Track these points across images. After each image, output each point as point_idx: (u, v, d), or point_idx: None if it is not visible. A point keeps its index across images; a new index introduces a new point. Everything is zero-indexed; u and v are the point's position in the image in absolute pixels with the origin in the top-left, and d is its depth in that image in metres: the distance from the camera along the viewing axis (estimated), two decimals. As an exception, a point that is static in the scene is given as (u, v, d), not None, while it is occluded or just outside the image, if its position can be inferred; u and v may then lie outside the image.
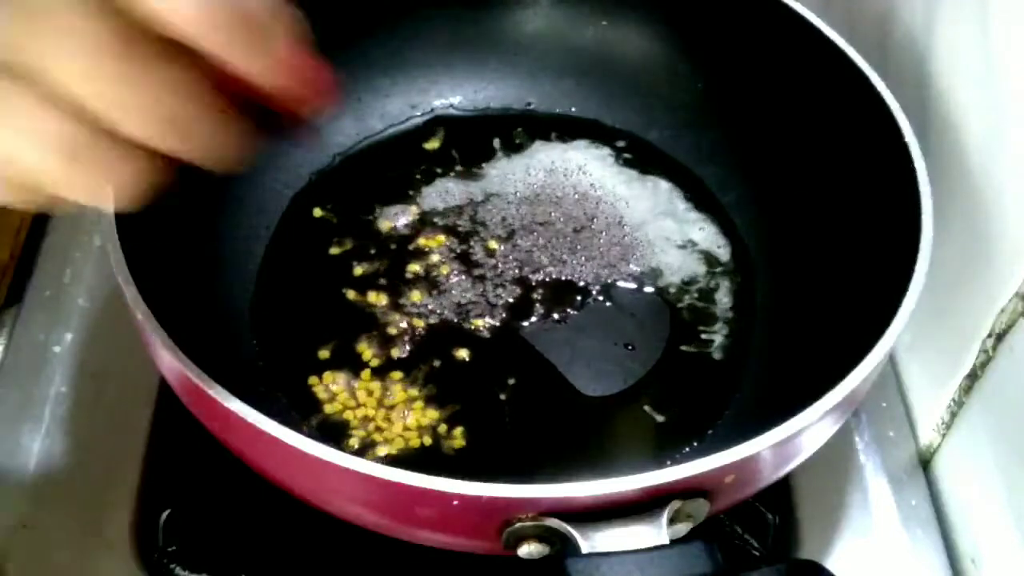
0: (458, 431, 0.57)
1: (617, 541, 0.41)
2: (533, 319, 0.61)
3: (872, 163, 0.57)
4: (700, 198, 0.67)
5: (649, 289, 0.63)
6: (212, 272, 0.60)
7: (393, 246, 0.64)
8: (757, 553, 0.57)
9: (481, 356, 0.60)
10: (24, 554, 0.55)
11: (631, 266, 0.64)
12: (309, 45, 0.35)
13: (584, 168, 0.68)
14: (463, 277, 0.63)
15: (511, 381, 0.59)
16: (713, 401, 0.58)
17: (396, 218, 0.66)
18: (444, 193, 0.67)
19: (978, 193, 0.56)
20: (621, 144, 0.69)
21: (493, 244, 0.64)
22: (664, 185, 0.68)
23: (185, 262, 0.57)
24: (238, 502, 0.57)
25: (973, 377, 0.56)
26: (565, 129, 0.70)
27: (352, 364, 0.59)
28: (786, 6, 0.61)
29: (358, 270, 0.63)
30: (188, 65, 0.32)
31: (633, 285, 0.63)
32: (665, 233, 0.66)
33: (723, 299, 0.63)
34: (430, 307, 0.62)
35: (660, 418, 0.57)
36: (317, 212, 0.65)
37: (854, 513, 0.59)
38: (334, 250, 0.64)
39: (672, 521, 0.42)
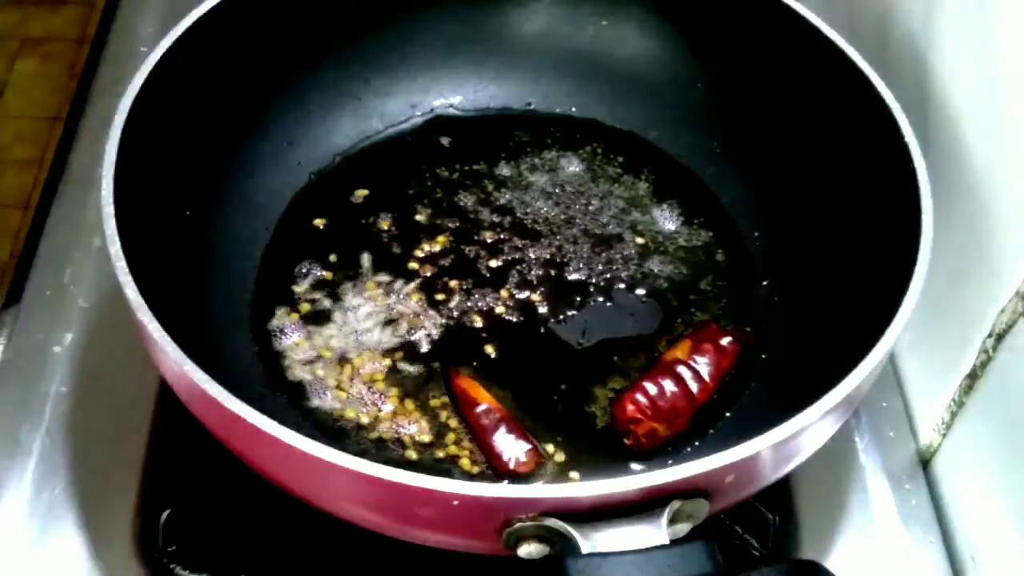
0: (458, 430, 0.57)
1: (617, 541, 0.41)
2: (533, 319, 0.61)
3: (872, 163, 0.57)
4: (700, 198, 0.67)
5: (647, 289, 0.63)
6: (212, 272, 0.60)
7: (393, 246, 0.64)
8: (757, 553, 0.57)
9: (481, 356, 0.60)
10: (25, 554, 0.55)
11: (630, 266, 0.64)
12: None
13: (583, 168, 0.68)
14: (463, 277, 0.63)
15: (512, 381, 0.59)
16: (713, 401, 0.58)
17: (395, 218, 0.66)
18: (444, 193, 0.67)
19: (978, 193, 0.55)
20: (621, 144, 0.69)
21: (492, 243, 0.64)
22: (663, 185, 0.68)
23: (185, 262, 0.57)
24: (238, 502, 0.57)
25: (973, 377, 0.56)
26: (565, 129, 0.70)
27: (353, 364, 0.59)
28: (786, 6, 0.61)
29: (358, 270, 0.63)
30: None
31: (632, 285, 0.63)
32: (664, 233, 0.66)
33: (722, 299, 0.63)
34: (430, 307, 0.61)
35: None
36: (317, 214, 0.65)
37: (854, 513, 0.59)
38: (333, 250, 0.64)
39: (672, 521, 0.42)
